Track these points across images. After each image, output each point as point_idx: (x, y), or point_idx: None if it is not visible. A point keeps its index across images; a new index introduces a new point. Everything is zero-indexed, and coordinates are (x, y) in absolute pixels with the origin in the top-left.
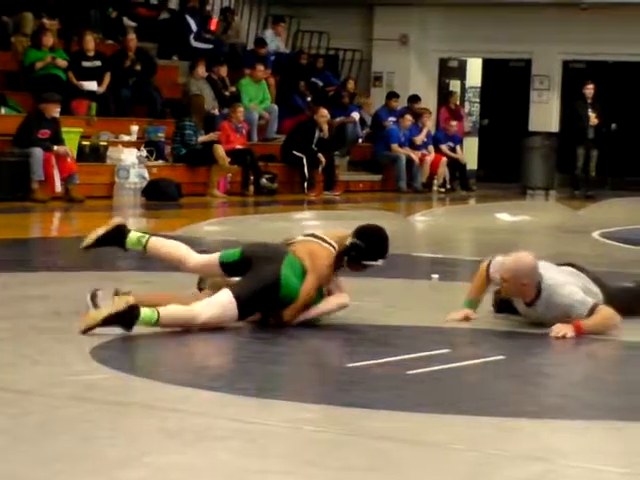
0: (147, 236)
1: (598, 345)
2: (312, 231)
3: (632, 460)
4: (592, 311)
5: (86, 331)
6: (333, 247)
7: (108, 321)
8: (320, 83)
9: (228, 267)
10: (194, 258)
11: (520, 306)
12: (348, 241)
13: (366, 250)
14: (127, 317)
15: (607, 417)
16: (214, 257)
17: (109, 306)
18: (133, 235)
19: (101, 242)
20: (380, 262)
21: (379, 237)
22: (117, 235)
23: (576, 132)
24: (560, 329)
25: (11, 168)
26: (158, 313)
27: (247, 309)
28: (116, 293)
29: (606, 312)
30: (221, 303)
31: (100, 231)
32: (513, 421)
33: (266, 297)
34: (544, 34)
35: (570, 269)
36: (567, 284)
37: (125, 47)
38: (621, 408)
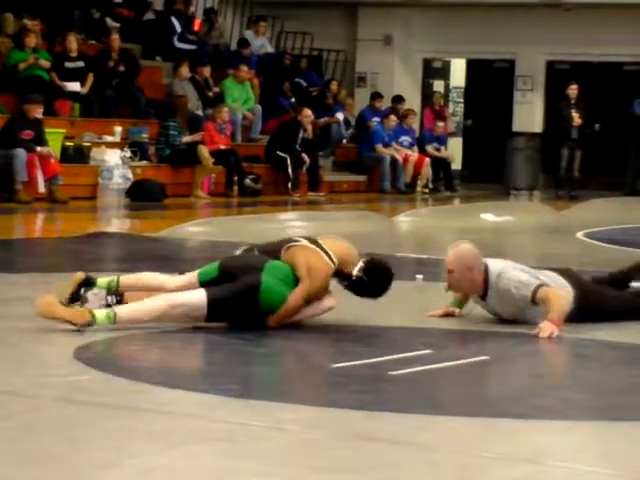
0: (115, 278)
1: (583, 345)
2: (317, 237)
3: (619, 460)
4: (535, 292)
5: (42, 316)
6: (334, 262)
7: (61, 321)
8: (304, 83)
9: (208, 285)
10: (173, 282)
11: (478, 302)
12: (354, 272)
13: (368, 286)
14: (81, 325)
15: (593, 417)
16: (193, 277)
17: (70, 312)
18: (101, 282)
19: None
20: (376, 299)
21: (384, 278)
22: (86, 287)
23: (560, 133)
24: (547, 328)
25: None
26: (114, 314)
27: (218, 312)
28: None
29: (554, 296)
30: (191, 302)
31: (68, 291)
32: (499, 422)
33: (242, 304)
34: (528, 35)
35: (545, 272)
36: (511, 269)
37: (108, 48)
38: (607, 408)
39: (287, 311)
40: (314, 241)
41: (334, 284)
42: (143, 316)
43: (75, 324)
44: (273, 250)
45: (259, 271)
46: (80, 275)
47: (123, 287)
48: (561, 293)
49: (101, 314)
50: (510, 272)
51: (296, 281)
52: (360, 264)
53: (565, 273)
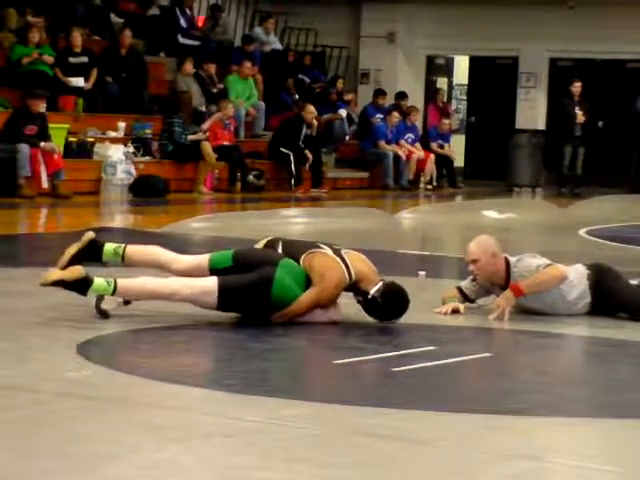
0: (123, 245)
1: (586, 343)
2: (342, 249)
3: (619, 457)
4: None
5: (42, 285)
6: (351, 276)
7: (58, 284)
8: (307, 80)
9: (220, 273)
10: (180, 261)
11: (499, 293)
12: (372, 292)
13: (380, 309)
14: (77, 286)
15: (595, 414)
16: (204, 261)
17: (62, 272)
18: (109, 247)
19: (76, 260)
20: (385, 323)
21: (398, 306)
22: (92, 250)
23: (563, 130)
24: (498, 305)
25: None
26: (115, 283)
27: (229, 301)
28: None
29: (549, 269)
30: (202, 287)
31: (73, 249)
32: (500, 418)
33: (254, 295)
34: (531, 32)
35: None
36: (527, 256)
37: (118, 43)
38: (609, 405)
39: (294, 311)
40: (337, 251)
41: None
42: (147, 291)
43: (67, 281)
44: (296, 251)
45: (274, 265)
46: (89, 234)
47: (129, 257)
48: (556, 272)
49: (99, 279)
50: (526, 259)
51: (307, 284)
52: (379, 285)
53: (593, 267)
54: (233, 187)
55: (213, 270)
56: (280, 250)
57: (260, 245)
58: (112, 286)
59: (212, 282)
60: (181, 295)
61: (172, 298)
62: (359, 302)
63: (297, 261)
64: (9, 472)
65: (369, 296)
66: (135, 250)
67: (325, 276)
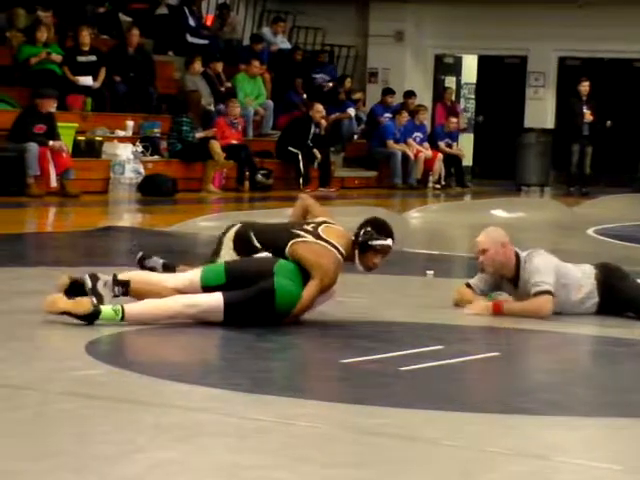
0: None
1: (593, 342)
2: (318, 230)
3: (627, 456)
4: (535, 296)
5: (48, 312)
6: (341, 253)
7: (66, 314)
8: (326, 77)
9: (213, 290)
10: (171, 282)
11: (509, 289)
12: (360, 232)
13: (375, 232)
14: (86, 318)
15: (602, 414)
16: (195, 279)
17: (71, 303)
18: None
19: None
20: (390, 241)
21: (380, 219)
22: (76, 287)
23: (571, 129)
24: (475, 308)
25: (6, 163)
26: (122, 311)
27: (235, 316)
28: (114, 278)
29: (538, 301)
30: (208, 306)
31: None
32: (508, 418)
33: (259, 308)
34: (540, 31)
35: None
36: (535, 257)
37: (126, 42)
38: (616, 404)
39: (302, 308)
40: (318, 235)
41: (343, 277)
42: (154, 314)
43: (75, 315)
44: (273, 240)
45: (271, 275)
46: (65, 279)
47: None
48: (544, 306)
49: (107, 309)
50: (533, 260)
51: (304, 277)
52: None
53: (601, 267)
54: (241, 186)
55: (206, 287)
56: (255, 240)
57: (230, 236)
58: (120, 314)
59: (217, 299)
60: (186, 314)
61: (178, 318)
62: (361, 255)
63: (279, 250)
64: (16, 471)
65: (360, 233)
66: (122, 276)
67: (322, 266)
